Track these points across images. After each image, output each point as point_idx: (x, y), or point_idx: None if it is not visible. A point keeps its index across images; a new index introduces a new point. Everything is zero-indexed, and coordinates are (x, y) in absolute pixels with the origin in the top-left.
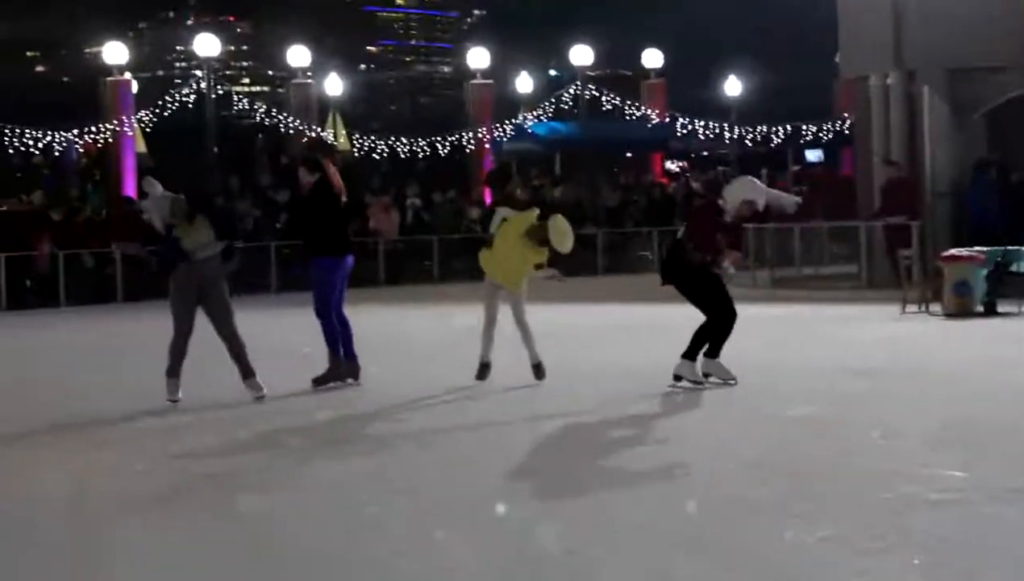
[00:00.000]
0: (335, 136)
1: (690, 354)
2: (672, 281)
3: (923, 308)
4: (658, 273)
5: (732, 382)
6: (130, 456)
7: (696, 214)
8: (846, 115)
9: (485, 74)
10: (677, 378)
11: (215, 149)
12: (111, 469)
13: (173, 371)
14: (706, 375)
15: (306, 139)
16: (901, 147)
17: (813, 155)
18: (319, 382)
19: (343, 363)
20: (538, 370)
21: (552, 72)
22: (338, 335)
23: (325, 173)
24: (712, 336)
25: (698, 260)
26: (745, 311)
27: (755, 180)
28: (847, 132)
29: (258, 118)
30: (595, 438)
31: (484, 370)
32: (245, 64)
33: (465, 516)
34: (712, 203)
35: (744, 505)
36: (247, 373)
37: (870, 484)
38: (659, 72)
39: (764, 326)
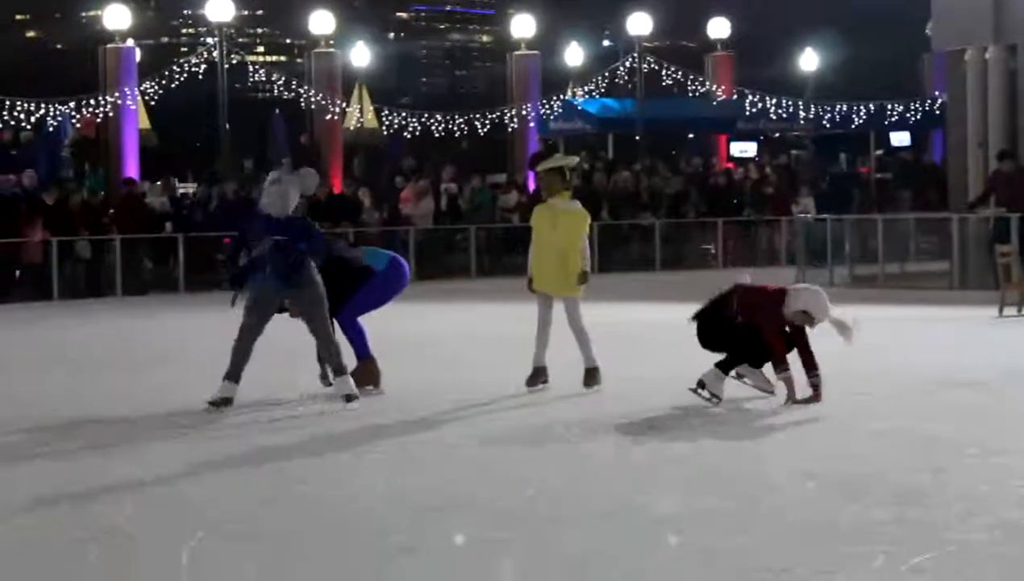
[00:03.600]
0: (361, 112)
1: (724, 366)
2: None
3: (1023, 311)
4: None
5: (770, 392)
6: (142, 464)
7: (764, 311)
8: (937, 93)
9: (530, 44)
10: (701, 385)
11: (227, 126)
12: (130, 475)
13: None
14: (739, 375)
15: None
16: (1000, 129)
17: (899, 138)
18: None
19: (373, 361)
20: (591, 376)
21: (606, 43)
22: (363, 334)
23: None
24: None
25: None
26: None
27: (824, 295)
28: (938, 112)
29: (276, 91)
30: (653, 454)
31: (538, 375)
32: (261, 31)
33: (506, 541)
34: (779, 309)
35: (827, 528)
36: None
37: (967, 507)
38: (726, 44)
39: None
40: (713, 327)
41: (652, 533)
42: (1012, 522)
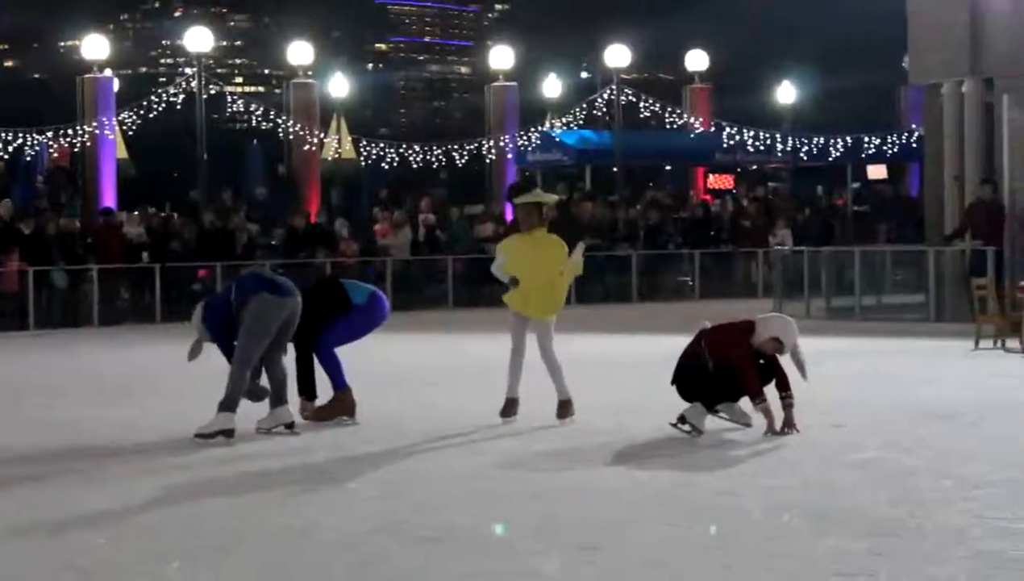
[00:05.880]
0: (339, 143)
1: (707, 402)
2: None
3: (999, 344)
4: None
5: (747, 424)
6: (119, 494)
7: (735, 346)
8: (914, 126)
9: (508, 76)
10: (682, 419)
11: (205, 156)
12: (107, 504)
13: None
14: (715, 410)
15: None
16: (976, 163)
17: (876, 171)
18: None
19: (349, 391)
20: (564, 408)
21: (584, 74)
22: (339, 365)
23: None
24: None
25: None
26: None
27: (793, 322)
28: (915, 145)
29: (254, 122)
30: (630, 485)
31: (511, 407)
32: (239, 61)
33: (488, 576)
34: (748, 340)
35: (801, 560)
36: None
37: (944, 539)
38: (704, 76)
39: (821, 361)
40: (690, 380)
41: (630, 564)
42: (989, 553)
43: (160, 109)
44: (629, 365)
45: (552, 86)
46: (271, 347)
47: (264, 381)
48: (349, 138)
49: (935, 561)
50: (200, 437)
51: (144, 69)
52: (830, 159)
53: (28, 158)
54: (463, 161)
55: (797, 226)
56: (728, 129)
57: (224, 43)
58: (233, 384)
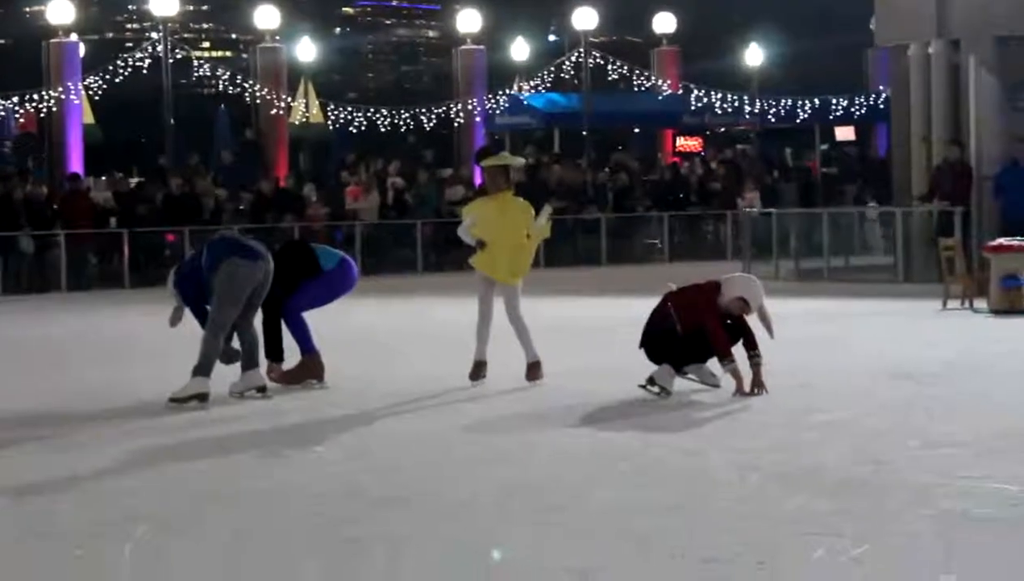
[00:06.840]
0: (307, 107)
1: (676, 363)
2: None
3: (966, 304)
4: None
5: (715, 385)
6: (84, 460)
7: (702, 307)
8: (881, 88)
9: (476, 39)
10: (651, 381)
11: (171, 121)
12: (72, 470)
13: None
14: (684, 371)
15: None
16: (943, 124)
17: (843, 132)
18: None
19: (317, 355)
20: (533, 370)
21: (551, 37)
22: (307, 329)
23: None
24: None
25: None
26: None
27: (757, 281)
28: (882, 107)
29: (221, 86)
30: (598, 446)
31: (479, 369)
32: (206, 26)
33: (454, 538)
34: (715, 301)
35: (768, 520)
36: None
37: (908, 498)
38: (671, 39)
39: (789, 323)
40: (659, 342)
41: (596, 526)
42: (954, 513)
43: (127, 74)
44: (598, 328)
45: (520, 49)
46: (243, 310)
47: (236, 344)
48: (317, 102)
49: (900, 520)
50: (174, 402)
51: (110, 34)
52: (798, 121)
53: None
54: (431, 125)
55: (766, 188)
56: (696, 92)
57: (190, 7)
58: (206, 349)
